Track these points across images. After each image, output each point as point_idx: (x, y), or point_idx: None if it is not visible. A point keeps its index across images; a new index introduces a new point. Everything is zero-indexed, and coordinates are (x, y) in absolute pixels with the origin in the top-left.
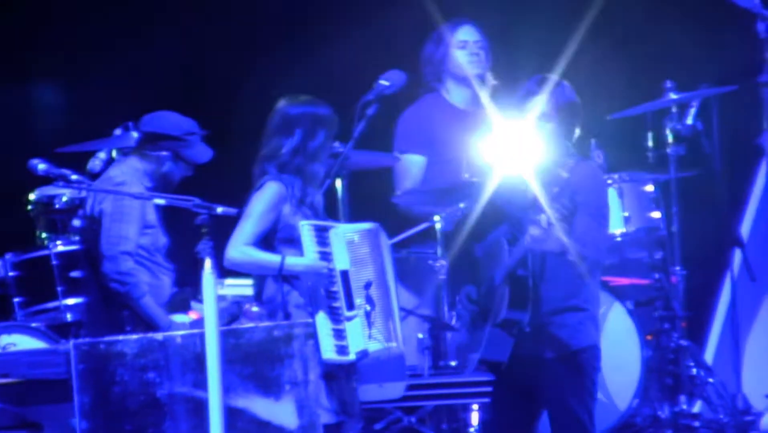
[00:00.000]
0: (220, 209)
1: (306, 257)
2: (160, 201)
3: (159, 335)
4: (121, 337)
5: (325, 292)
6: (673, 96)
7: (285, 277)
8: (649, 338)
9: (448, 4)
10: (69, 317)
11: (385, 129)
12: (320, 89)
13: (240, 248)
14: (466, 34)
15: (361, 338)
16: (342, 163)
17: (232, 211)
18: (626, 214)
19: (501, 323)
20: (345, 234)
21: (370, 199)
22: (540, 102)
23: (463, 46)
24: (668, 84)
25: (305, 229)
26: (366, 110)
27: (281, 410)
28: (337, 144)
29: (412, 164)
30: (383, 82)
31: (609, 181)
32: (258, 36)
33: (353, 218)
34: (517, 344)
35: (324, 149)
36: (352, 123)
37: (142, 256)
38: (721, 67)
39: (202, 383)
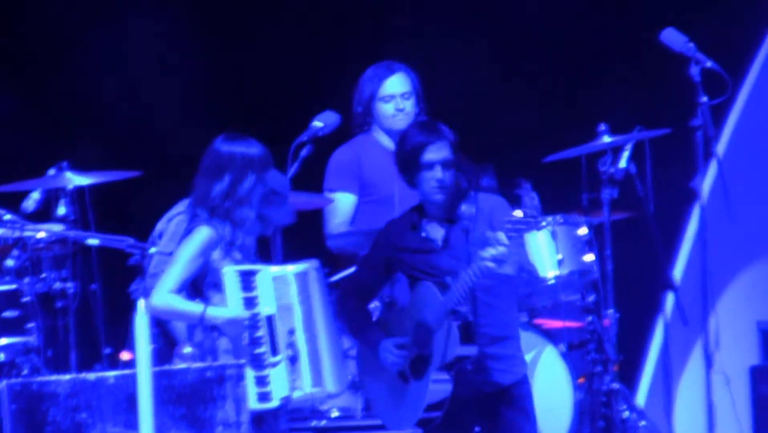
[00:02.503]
0: (153, 250)
1: (228, 306)
2: (94, 241)
3: (91, 376)
4: (53, 377)
5: (249, 338)
6: (606, 139)
7: None
8: (581, 381)
9: None
10: (2, 357)
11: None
12: None
13: (164, 295)
14: (391, 87)
15: (285, 383)
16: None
17: (165, 252)
18: (560, 256)
19: (451, 362)
20: (272, 277)
21: (307, 240)
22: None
23: (389, 100)
24: (602, 127)
25: (228, 276)
26: (300, 151)
27: None
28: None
29: (342, 203)
30: (317, 124)
31: (543, 224)
32: None
33: (288, 259)
34: (458, 382)
35: (254, 192)
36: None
37: None
38: (654, 111)
39: (134, 424)
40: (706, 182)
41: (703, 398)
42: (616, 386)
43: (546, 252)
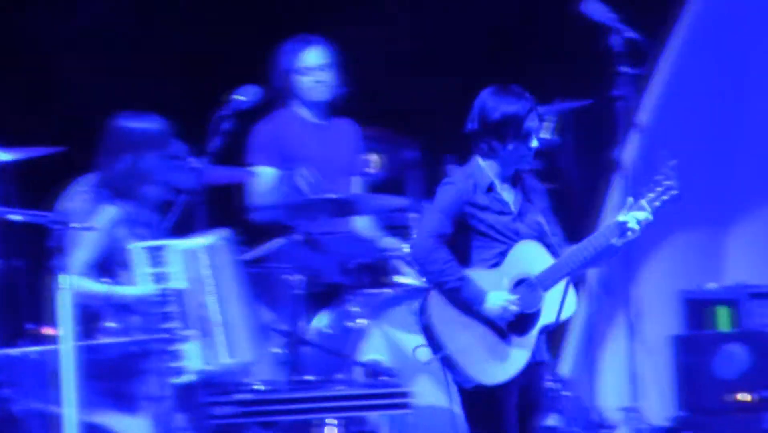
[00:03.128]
0: (75, 224)
1: (137, 283)
2: (17, 217)
3: (15, 351)
4: None
5: (160, 314)
6: None
7: None
8: None
9: None
10: None
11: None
12: None
13: (71, 278)
14: (310, 59)
15: (200, 357)
16: (198, 179)
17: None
18: None
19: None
20: (181, 251)
21: (232, 213)
22: None
23: (307, 72)
24: None
25: (135, 252)
26: (221, 125)
27: (137, 425)
28: (194, 159)
29: (264, 176)
30: (238, 97)
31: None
32: None
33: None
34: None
35: (156, 168)
36: None
37: None
38: (576, 81)
39: (57, 400)
40: (628, 152)
41: (627, 367)
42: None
43: None
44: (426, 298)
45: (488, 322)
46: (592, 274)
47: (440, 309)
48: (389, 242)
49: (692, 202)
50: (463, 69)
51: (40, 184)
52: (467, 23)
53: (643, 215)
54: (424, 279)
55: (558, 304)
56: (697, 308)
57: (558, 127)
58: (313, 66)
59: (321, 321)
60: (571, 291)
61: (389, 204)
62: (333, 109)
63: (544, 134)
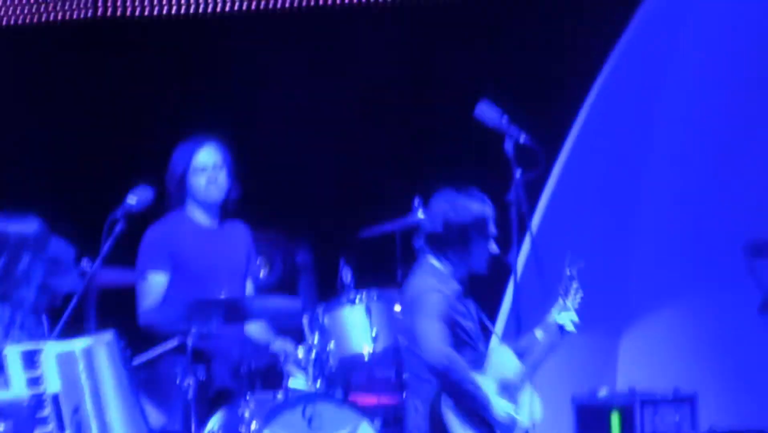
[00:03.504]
0: None
1: (11, 387)
2: None
3: None
4: None
5: (33, 419)
6: (421, 214)
7: None
8: None
9: None
10: None
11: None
12: None
13: None
14: (203, 159)
15: None
16: (89, 281)
17: None
18: (374, 332)
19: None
20: (56, 354)
21: (123, 316)
22: None
23: (200, 173)
24: (416, 201)
25: (9, 356)
26: (113, 227)
27: None
28: (84, 261)
29: (154, 282)
30: (130, 200)
31: (357, 300)
32: None
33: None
34: None
35: (32, 271)
36: None
37: None
38: (470, 185)
39: None
40: (521, 257)
41: None
42: None
43: (360, 328)
44: (438, 405)
45: (488, 425)
46: None
47: (452, 416)
48: (281, 345)
49: (585, 308)
50: (357, 174)
51: None
52: (361, 123)
53: (572, 315)
54: (449, 387)
55: (529, 406)
56: (589, 414)
57: None
58: (206, 166)
59: (213, 425)
60: (536, 394)
61: (281, 307)
62: (225, 210)
63: None
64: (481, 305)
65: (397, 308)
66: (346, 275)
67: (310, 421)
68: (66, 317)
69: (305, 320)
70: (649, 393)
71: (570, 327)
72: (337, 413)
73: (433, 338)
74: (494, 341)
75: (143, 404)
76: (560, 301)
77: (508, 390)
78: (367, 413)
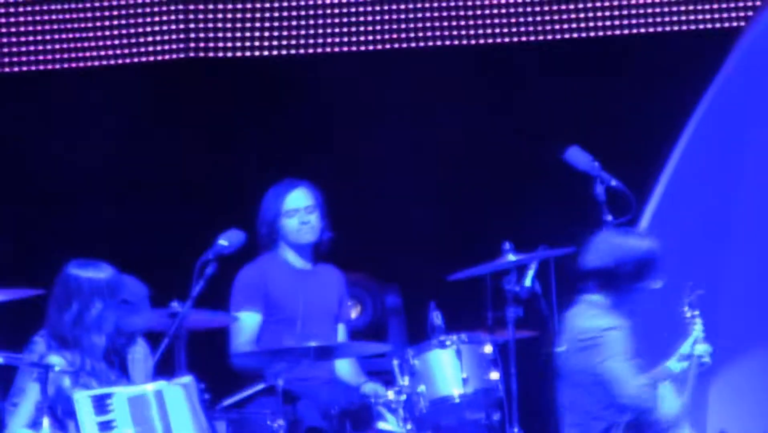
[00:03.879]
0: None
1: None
2: None
3: None
4: None
5: None
6: (511, 258)
7: None
8: None
9: None
10: None
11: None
12: None
13: (18, 431)
14: (295, 201)
15: None
16: (179, 323)
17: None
18: (464, 375)
19: None
20: (127, 398)
21: (211, 358)
22: None
23: (293, 215)
24: (507, 245)
25: (80, 402)
26: (204, 269)
27: None
28: (174, 303)
29: (247, 322)
30: (222, 242)
31: (447, 343)
32: None
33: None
34: None
35: (103, 318)
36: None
37: None
38: (559, 229)
39: None
40: None
41: None
42: None
43: (451, 370)
44: None
45: None
46: None
47: None
48: (371, 387)
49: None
50: (448, 216)
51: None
52: (451, 168)
53: (707, 346)
54: (641, 424)
55: None
56: None
57: (540, 274)
58: (298, 208)
59: None
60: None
61: (371, 349)
62: (318, 253)
63: (527, 282)
64: None
65: (487, 349)
66: (437, 318)
67: None
68: (157, 360)
69: (395, 363)
70: None
71: (707, 358)
72: None
73: (629, 379)
74: (658, 371)
75: None
76: (692, 332)
77: (675, 425)
78: None
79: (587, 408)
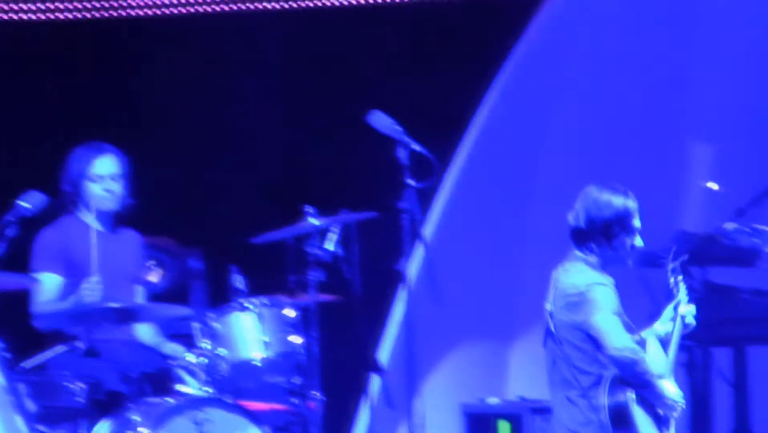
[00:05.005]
0: None
1: None
2: None
3: None
4: None
5: None
6: (313, 221)
7: None
8: None
9: None
10: None
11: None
12: None
13: None
14: (101, 168)
15: None
16: None
17: None
18: (266, 338)
19: None
20: None
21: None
22: None
23: (98, 180)
24: (309, 209)
25: None
26: (5, 231)
27: None
28: None
29: (48, 284)
30: (23, 204)
31: (249, 306)
32: None
33: None
34: None
35: None
36: None
37: None
38: (361, 193)
39: None
40: (413, 265)
41: None
42: None
43: (252, 334)
44: (622, 397)
45: (654, 413)
46: (375, 386)
47: (637, 408)
48: (172, 350)
49: (475, 315)
50: (249, 181)
51: None
52: (262, 134)
53: (692, 308)
54: (632, 379)
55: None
56: (478, 422)
57: (343, 238)
58: (103, 175)
59: (102, 430)
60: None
61: (172, 313)
62: (119, 218)
63: (329, 245)
64: (373, 312)
65: (289, 313)
66: (238, 281)
67: (200, 426)
68: None
69: (197, 326)
70: (539, 402)
71: (691, 319)
72: (228, 418)
73: (616, 332)
74: (644, 333)
75: (28, 406)
76: (677, 296)
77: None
78: (258, 419)
79: (575, 364)
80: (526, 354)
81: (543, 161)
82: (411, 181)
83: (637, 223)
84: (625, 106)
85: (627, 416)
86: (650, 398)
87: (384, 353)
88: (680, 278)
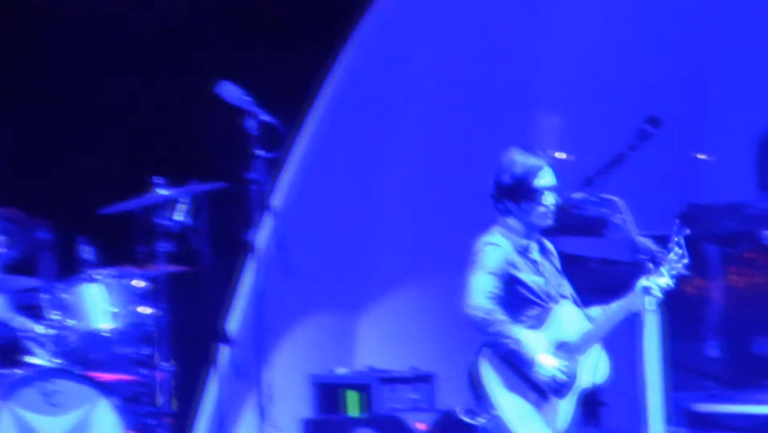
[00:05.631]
0: None
1: None
2: None
3: None
4: None
5: None
6: (162, 192)
7: None
8: None
9: None
10: None
11: None
12: None
13: None
14: None
15: None
16: None
17: None
18: (115, 309)
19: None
20: None
21: None
22: None
23: None
24: (158, 180)
25: None
26: None
27: None
28: None
29: None
30: None
31: (97, 277)
32: None
33: None
34: None
35: None
36: None
37: None
38: (210, 164)
39: None
40: (262, 236)
41: None
42: None
43: (100, 305)
44: (476, 358)
45: (532, 383)
46: (225, 357)
47: (490, 368)
48: (20, 321)
49: (324, 286)
50: (98, 153)
51: None
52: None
53: (665, 282)
54: (490, 342)
55: (594, 367)
56: (327, 392)
57: (192, 209)
58: None
59: None
60: (604, 355)
61: (20, 284)
62: None
63: (178, 216)
64: (222, 283)
65: (137, 283)
66: (87, 252)
67: (49, 397)
68: None
69: (45, 297)
70: (387, 372)
71: (656, 291)
72: (76, 389)
73: (474, 292)
74: (563, 300)
75: None
76: (659, 268)
77: (568, 350)
78: (107, 389)
79: None
80: (374, 325)
81: (392, 131)
82: (260, 152)
83: (545, 181)
84: (472, 77)
85: (476, 378)
86: (520, 365)
87: (233, 323)
88: (679, 251)
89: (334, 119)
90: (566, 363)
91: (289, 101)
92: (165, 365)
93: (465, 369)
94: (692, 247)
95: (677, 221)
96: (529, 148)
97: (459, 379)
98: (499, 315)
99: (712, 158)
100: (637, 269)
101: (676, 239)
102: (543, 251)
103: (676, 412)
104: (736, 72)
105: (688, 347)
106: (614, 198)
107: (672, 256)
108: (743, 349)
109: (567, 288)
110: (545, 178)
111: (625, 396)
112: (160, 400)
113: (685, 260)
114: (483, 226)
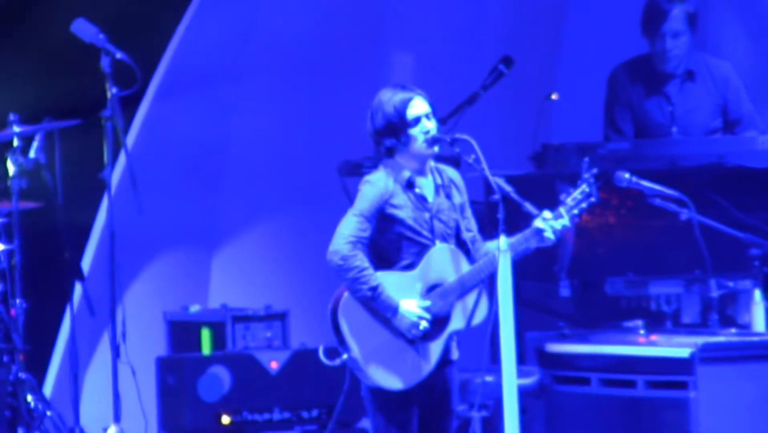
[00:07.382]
0: None
1: None
2: None
3: None
4: None
5: None
6: (16, 129)
7: None
8: None
9: None
10: None
11: None
12: None
13: None
14: None
15: None
16: None
17: None
18: None
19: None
20: None
21: None
22: None
23: None
24: (12, 117)
25: None
26: None
27: None
28: None
29: None
30: None
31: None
32: None
33: None
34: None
35: None
36: None
37: None
38: (65, 101)
39: None
40: (116, 174)
41: (110, 388)
42: (23, 375)
43: None
44: (338, 299)
45: (396, 329)
46: (78, 294)
47: (351, 311)
48: None
49: (177, 224)
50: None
51: None
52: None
53: (560, 223)
54: (345, 284)
55: (470, 310)
56: (180, 330)
57: (46, 146)
58: None
59: None
60: (484, 297)
61: None
62: None
63: (32, 153)
64: (76, 220)
65: None
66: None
67: None
68: None
69: None
70: (240, 309)
71: (549, 233)
72: None
73: (336, 236)
74: (440, 243)
75: None
76: (558, 209)
77: (441, 293)
78: None
79: None
80: (228, 262)
81: (247, 69)
82: (114, 90)
83: (417, 110)
84: (326, 19)
85: (335, 321)
86: (381, 312)
87: (86, 260)
88: (587, 189)
89: (189, 57)
90: (431, 305)
91: (144, 39)
92: (17, 301)
93: (319, 307)
94: (546, 187)
95: (586, 159)
96: (396, 86)
97: (313, 317)
98: (357, 261)
99: (561, 97)
100: (492, 209)
101: (586, 176)
102: (440, 185)
103: (528, 351)
104: (588, 11)
105: (540, 287)
106: (467, 137)
107: (577, 195)
108: (595, 289)
109: (469, 222)
110: (417, 107)
111: (477, 334)
112: (12, 337)
113: (593, 198)
114: (335, 157)
